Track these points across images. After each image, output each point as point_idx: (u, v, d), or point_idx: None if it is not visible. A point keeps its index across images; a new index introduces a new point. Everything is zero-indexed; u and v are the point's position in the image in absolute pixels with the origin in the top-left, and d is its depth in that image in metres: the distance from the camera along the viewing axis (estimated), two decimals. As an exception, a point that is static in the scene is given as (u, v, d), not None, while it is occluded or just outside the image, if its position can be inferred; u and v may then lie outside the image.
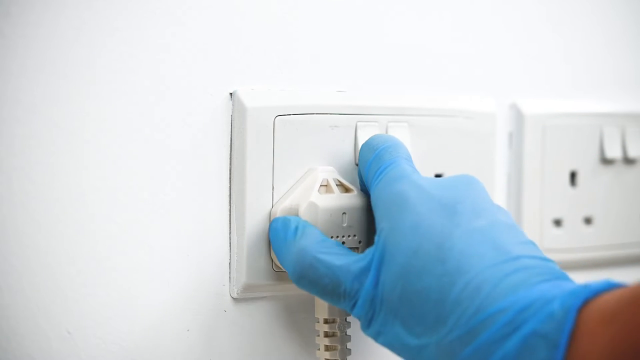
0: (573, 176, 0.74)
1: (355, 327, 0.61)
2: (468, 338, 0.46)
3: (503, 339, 0.45)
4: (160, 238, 0.56)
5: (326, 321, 0.58)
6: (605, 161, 0.75)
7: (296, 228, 0.55)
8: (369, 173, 0.56)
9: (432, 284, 0.47)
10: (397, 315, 0.49)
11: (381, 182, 0.54)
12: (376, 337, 0.51)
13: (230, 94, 0.58)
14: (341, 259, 0.52)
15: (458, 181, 0.53)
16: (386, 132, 0.62)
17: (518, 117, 0.71)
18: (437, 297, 0.47)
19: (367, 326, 0.52)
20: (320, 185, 0.58)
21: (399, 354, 0.50)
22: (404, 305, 0.49)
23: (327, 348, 0.58)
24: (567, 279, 0.47)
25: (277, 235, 0.56)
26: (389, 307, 0.50)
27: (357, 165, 0.61)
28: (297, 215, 0.57)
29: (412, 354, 0.49)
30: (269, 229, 0.57)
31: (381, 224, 0.52)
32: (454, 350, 0.46)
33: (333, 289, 0.52)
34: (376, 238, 0.52)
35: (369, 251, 0.52)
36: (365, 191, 0.58)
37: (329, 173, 0.59)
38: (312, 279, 0.53)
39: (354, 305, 0.52)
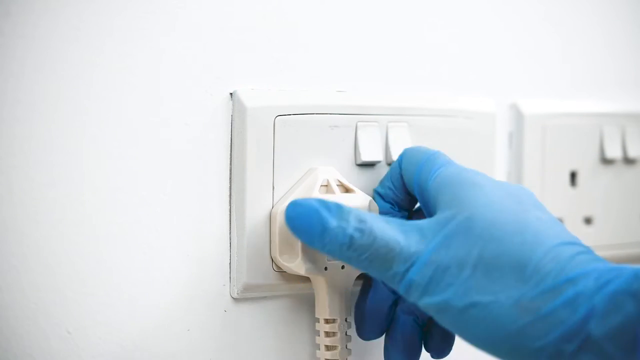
0: (573, 176, 0.74)
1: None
2: (553, 294, 0.48)
3: (590, 294, 0.48)
4: (160, 238, 0.56)
5: (326, 321, 0.58)
6: (605, 161, 0.75)
7: (335, 204, 0.53)
8: (422, 171, 0.57)
9: (511, 251, 0.50)
10: (470, 278, 0.50)
11: (442, 174, 0.56)
12: (431, 298, 0.51)
13: (230, 94, 0.58)
14: (396, 223, 0.53)
15: (513, 186, 0.56)
16: (386, 132, 0.63)
17: (518, 117, 0.71)
18: (517, 261, 0.50)
19: (422, 291, 0.51)
20: (321, 186, 0.58)
21: (456, 315, 0.50)
22: (479, 269, 0.50)
23: (327, 348, 0.58)
24: None
25: (313, 214, 0.52)
26: (460, 269, 0.51)
27: (357, 165, 0.61)
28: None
29: (478, 310, 0.50)
30: (295, 213, 0.53)
31: (450, 203, 0.53)
32: (537, 305, 0.48)
33: (386, 252, 0.52)
34: (442, 213, 0.53)
35: (429, 220, 0.53)
36: (392, 194, 0.59)
37: (329, 173, 0.59)
38: (362, 244, 0.52)
39: (409, 268, 0.51)
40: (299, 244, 0.56)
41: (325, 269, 0.57)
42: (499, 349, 0.49)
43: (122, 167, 0.55)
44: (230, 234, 0.59)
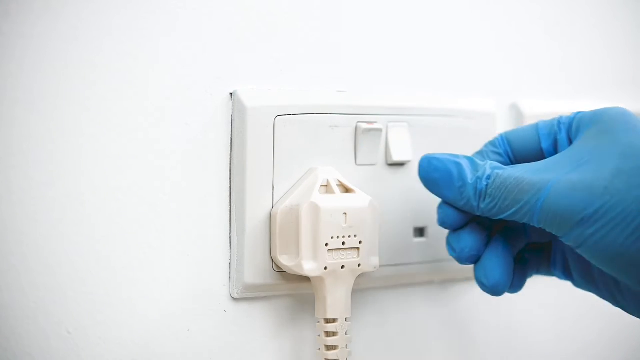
0: (573, 176, 0.74)
1: (355, 327, 0.61)
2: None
3: None
4: (160, 238, 0.56)
5: (327, 321, 0.58)
6: (606, 161, 0.75)
7: (468, 159, 0.58)
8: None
9: None
10: (607, 189, 0.53)
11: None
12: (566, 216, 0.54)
13: (230, 94, 0.58)
14: (525, 165, 0.57)
15: None
16: (386, 132, 0.62)
17: (518, 117, 0.71)
18: None
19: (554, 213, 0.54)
20: (321, 186, 0.58)
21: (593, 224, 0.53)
22: (616, 178, 0.52)
23: (327, 348, 0.58)
24: None
25: (453, 168, 0.58)
26: (593, 185, 0.53)
27: (357, 165, 0.61)
28: (297, 215, 0.57)
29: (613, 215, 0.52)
30: (432, 167, 0.58)
31: (586, 139, 0.56)
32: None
33: (516, 184, 0.55)
34: (572, 148, 0.56)
35: (559, 155, 0.56)
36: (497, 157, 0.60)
37: (329, 173, 0.59)
38: (495, 187, 0.56)
39: (539, 191, 0.54)
40: (300, 244, 0.56)
41: (326, 268, 0.57)
42: (627, 251, 0.51)
43: (122, 167, 0.55)
44: (230, 234, 0.59)
